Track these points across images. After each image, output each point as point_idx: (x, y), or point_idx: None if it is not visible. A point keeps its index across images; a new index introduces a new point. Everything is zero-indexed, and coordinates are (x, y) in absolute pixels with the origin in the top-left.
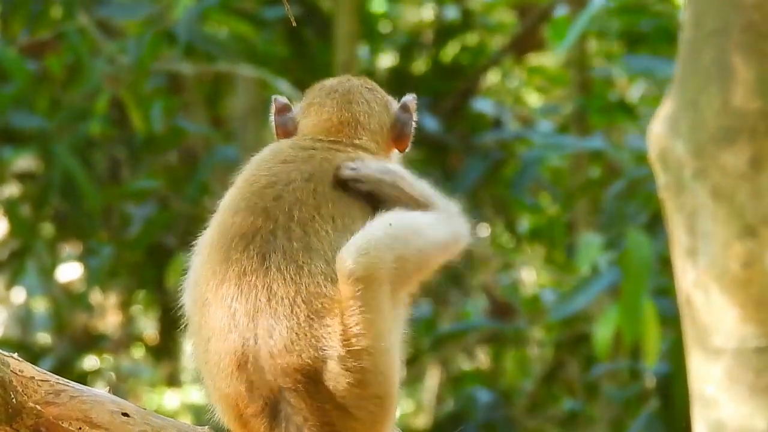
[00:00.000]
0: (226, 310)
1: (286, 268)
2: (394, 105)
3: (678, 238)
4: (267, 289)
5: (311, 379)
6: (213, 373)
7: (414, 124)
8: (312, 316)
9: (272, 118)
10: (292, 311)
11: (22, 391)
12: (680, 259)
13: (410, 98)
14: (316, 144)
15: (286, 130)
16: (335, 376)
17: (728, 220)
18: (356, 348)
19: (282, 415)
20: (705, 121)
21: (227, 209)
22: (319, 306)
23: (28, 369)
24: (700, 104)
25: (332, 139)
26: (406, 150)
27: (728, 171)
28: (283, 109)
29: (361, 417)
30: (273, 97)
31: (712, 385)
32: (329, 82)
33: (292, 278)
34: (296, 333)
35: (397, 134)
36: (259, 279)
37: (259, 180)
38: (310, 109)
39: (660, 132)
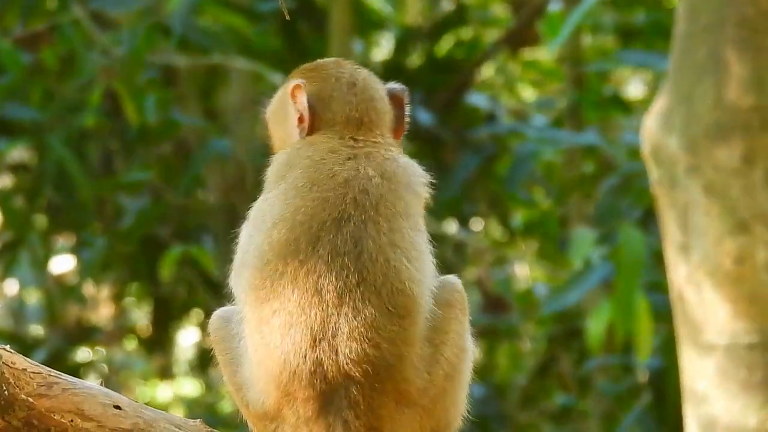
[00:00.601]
0: (311, 285)
1: (377, 258)
2: (396, 86)
3: (671, 234)
4: (358, 273)
5: (379, 375)
6: (271, 349)
7: (407, 116)
8: (394, 311)
9: (303, 101)
10: (379, 300)
11: (14, 383)
12: (673, 254)
13: (400, 89)
14: (359, 143)
15: (314, 118)
16: (406, 380)
17: (721, 216)
18: (439, 362)
19: (334, 406)
20: (698, 116)
21: (305, 195)
22: (401, 303)
23: (20, 361)
24: (694, 99)
25: (371, 140)
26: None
27: (721, 167)
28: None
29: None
30: (296, 82)
31: (703, 380)
32: (337, 70)
33: (381, 269)
34: (379, 322)
35: (394, 126)
36: (351, 261)
37: (339, 173)
38: (332, 104)
39: (653, 127)
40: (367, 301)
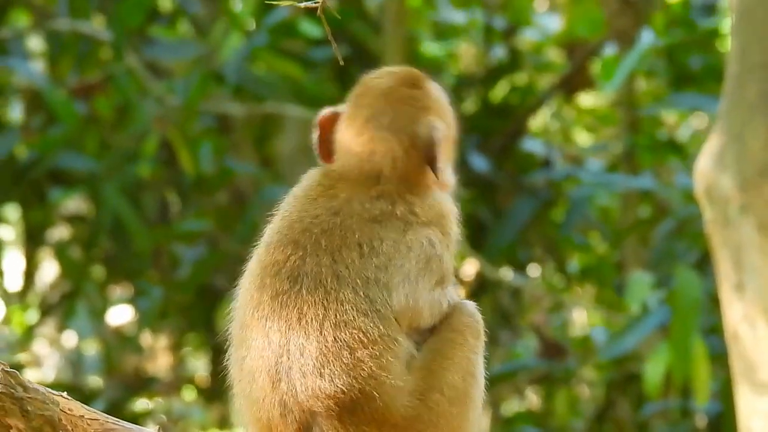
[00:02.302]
0: (261, 329)
1: (315, 290)
2: (428, 125)
3: (725, 273)
4: (298, 309)
5: (346, 408)
6: (247, 396)
7: (440, 156)
8: (340, 342)
9: (314, 138)
10: (321, 333)
11: (72, 429)
12: (727, 293)
13: (435, 126)
14: (339, 184)
15: (327, 153)
16: (386, 407)
17: None
18: (437, 387)
19: None
20: (751, 154)
21: (264, 242)
22: (348, 336)
23: (77, 408)
24: (746, 137)
25: (356, 178)
26: (444, 180)
27: None
28: (328, 124)
29: None
30: (324, 112)
31: (759, 419)
32: (370, 98)
33: (320, 301)
34: (325, 355)
35: (428, 162)
36: (290, 299)
37: (291, 215)
38: (347, 132)
39: (706, 167)
40: (311, 336)
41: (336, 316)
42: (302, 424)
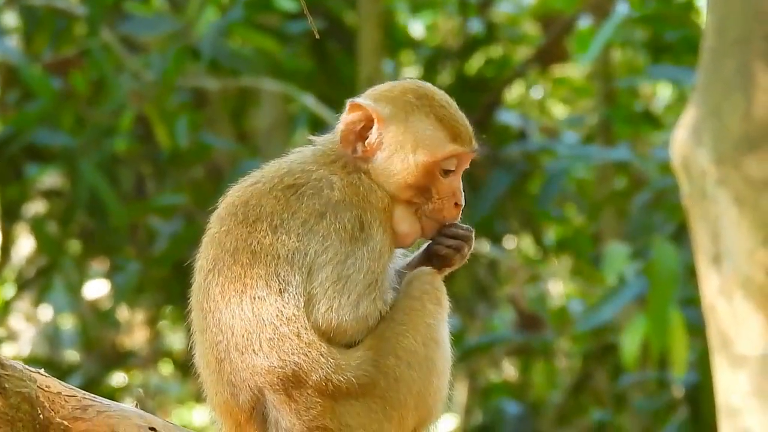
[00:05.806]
0: (200, 311)
1: (232, 267)
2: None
3: (702, 246)
4: (221, 287)
5: (290, 382)
6: (205, 381)
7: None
8: (260, 319)
9: (349, 121)
10: (242, 309)
11: (49, 406)
12: (704, 266)
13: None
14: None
15: (354, 151)
16: (327, 378)
17: (752, 227)
18: (393, 353)
19: (271, 418)
20: (728, 128)
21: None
22: (266, 312)
23: (55, 384)
24: (723, 112)
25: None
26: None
27: (751, 178)
28: (366, 121)
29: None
30: (362, 102)
31: (737, 393)
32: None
33: (237, 276)
34: (249, 331)
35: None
36: (214, 278)
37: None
38: (394, 157)
39: (683, 140)
40: (235, 312)
41: (251, 291)
42: (254, 402)
